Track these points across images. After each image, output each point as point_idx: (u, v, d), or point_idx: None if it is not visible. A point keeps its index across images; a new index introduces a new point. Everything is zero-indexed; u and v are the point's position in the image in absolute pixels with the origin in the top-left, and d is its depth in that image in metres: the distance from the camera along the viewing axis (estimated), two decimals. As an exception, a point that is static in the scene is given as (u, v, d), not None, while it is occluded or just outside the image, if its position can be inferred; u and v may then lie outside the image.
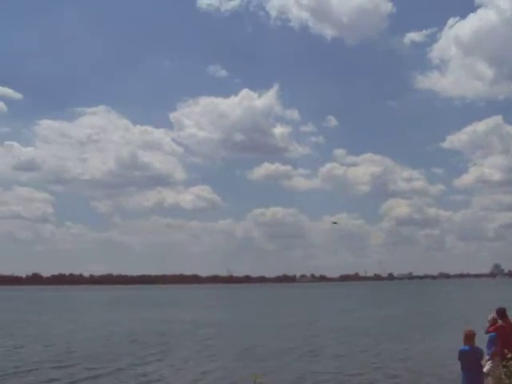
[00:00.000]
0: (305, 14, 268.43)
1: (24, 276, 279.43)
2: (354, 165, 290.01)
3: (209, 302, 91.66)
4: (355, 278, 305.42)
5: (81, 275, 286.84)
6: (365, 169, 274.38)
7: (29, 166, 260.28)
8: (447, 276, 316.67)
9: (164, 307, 75.11)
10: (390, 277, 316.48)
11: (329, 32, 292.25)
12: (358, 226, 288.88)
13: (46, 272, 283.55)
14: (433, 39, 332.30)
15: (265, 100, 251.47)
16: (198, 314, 58.07)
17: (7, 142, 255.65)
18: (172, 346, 30.56)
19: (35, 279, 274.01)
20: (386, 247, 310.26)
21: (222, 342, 33.23)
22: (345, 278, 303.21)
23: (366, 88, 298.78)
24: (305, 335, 35.65)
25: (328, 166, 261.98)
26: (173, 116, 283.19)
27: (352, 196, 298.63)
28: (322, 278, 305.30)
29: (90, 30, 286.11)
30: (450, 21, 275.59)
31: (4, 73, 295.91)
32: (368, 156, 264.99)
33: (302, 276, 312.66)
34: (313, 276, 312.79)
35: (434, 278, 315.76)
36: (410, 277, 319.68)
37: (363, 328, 39.81)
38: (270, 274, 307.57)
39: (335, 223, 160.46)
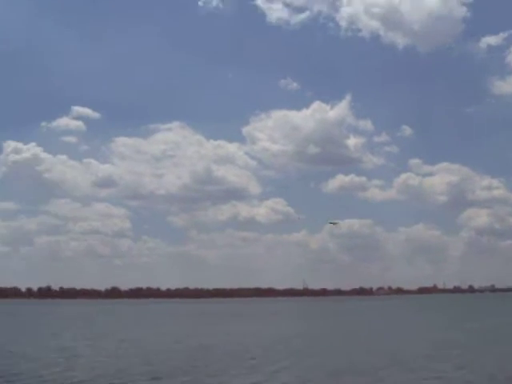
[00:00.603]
0: (375, 24, 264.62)
1: (103, 290, 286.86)
2: (430, 174, 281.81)
3: (287, 315, 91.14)
4: (434, 290, 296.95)
5: (158, 289, 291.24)
6: (441, 178, 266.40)
7: (106, 183, 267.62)
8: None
9: (243, 320, 75.12)
10: (471, 289, 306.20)
11: (400, 40, 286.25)
12: (435, 236, 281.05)
13: (123, 285, 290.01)
14: (511, 42, 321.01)
15: (337, 111, 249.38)
16: (278, 328, 57.76)
17: (86, 160, 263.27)
18: (261, 360, 30.31)
19: (114, 293, 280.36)
20: (465, 258, 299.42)
21: (308, 356, 32.71)
22: (423, 291, 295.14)
23: (440, 95, 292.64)
24: (392, 349, 34.68)
25: (403, 176, 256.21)
26: (246, 130, 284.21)
27: (428, 206, 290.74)
28: (400, 291, 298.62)
29: (162, 49, 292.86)
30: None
31: (83, 93, 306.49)
32: (444, 165, 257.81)
33: (379, 288, 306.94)
34: (390, 288, 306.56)
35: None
36: (493, 289, 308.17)
37: (452, 341, 38.51)
38: (346, 286, 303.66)
39: (334, 223, 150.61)
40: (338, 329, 56.12)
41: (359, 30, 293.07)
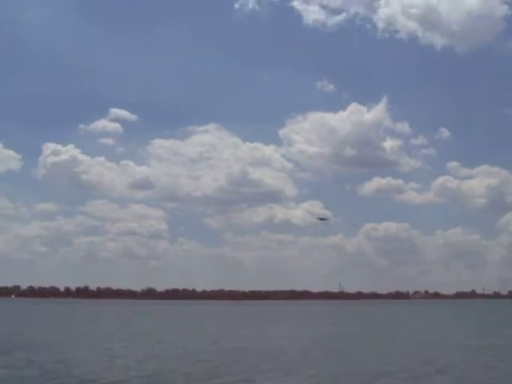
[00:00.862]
0: (413, 24, 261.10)
1: (139, 290, 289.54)
2: (469, 177, 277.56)
3: (323, 318, 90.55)
4: (472, 295, 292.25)
5: (193, 290, 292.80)
6: (480, 181, 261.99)
7: (143, 184, 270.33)
8: None
9: (279, 323, 74.94)
10: (511, 295, 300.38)
11: (438, 41, 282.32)
12: (474, 241, 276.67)
13: (159, 287, 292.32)
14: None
15: (374, 113, 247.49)
16: (314, 330, 57.46)
17: (123, 162, 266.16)
18: (298, 363, 30.10)
19: (149, 293, 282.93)
20: (505, 263, 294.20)
21: (346, 359, 32.41)
22: (460, 296, 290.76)
23: (480, 97, 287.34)
24: (430, 354, 34.13)
25: (441, 179, 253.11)
26: (282, 132, 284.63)
27: (467, 210, 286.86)
28: (436, 295, 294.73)
29: (199, 51, 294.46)
30: None
31: (121, 96, 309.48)
32: (484, 168, 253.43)
33: (416, 292, 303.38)
34: (427, 293, 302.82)
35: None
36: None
37: (490, 348, 37.77)
38: (382, 290, 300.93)
39: (323, 219, 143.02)
40: (374, 332, 55.48)
41: (397, 32, 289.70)
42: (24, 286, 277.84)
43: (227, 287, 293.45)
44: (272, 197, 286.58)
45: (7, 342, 40.03)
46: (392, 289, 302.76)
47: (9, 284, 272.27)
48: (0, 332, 51.15)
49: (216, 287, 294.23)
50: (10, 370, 25.77)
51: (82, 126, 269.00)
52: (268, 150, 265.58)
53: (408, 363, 29.83)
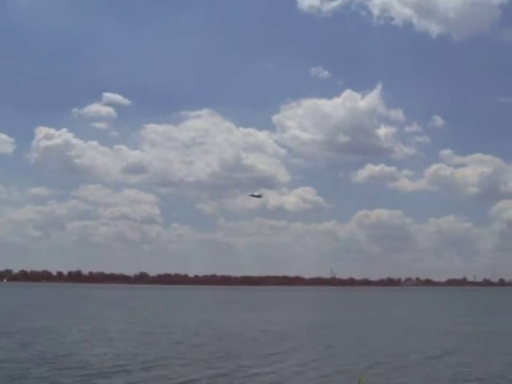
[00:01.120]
0: (408, 11, 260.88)
1: (132, 275, 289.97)
2: (462, 165, 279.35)
3: (316, 304, 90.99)
4: (463, 282, 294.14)
5: (186, 275, 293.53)
6: (473, 170, 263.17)
7: (136, 169, 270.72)
8: None
9: (271, 308, 75.16)
10: (501, 282, 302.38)
11: (434, 28, 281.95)
12: (466, 229, 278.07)
13: (152, 271, 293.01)
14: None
15: (368, 100, 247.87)
16: (307, 316, 57.70)
17: (116, 146, 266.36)
18: (293, 348, 30.24)
19: (142, 278, 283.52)
20: (496, 251, 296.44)
21: (339, 345, 32.55)
22: (452, 283, 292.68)
23: (474, 85, 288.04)
24: (422, 341, 34.35)
25: (434, 166, 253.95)
26: (276, 118, 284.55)
27: (460, 198, 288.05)
28: (428, 282, 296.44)
29: (192, 38, 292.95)
30: None
31: (114, 80, 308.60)
32: (477, 156, 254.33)
33: (407, 279, 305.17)
34: (418, 280, 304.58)
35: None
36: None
37: (481, 334, 38.01)
38: (374, 276, 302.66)
39: (257, 196, 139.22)
40: (366, 319, 55.81)
41: (392, 18, 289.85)
42: (16, 269, 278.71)
43: (220, 272, 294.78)
44: (265, 182, 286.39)
45: (2, 325, 40.03)
46: (384, 275, 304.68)
47: (1, 268, 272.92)
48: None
49: (209, 272, 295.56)
50: (7, 353, 25.80)
51: (75, 109, 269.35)
52: (261, 136, 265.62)
53: (400, 350, 30.02)
